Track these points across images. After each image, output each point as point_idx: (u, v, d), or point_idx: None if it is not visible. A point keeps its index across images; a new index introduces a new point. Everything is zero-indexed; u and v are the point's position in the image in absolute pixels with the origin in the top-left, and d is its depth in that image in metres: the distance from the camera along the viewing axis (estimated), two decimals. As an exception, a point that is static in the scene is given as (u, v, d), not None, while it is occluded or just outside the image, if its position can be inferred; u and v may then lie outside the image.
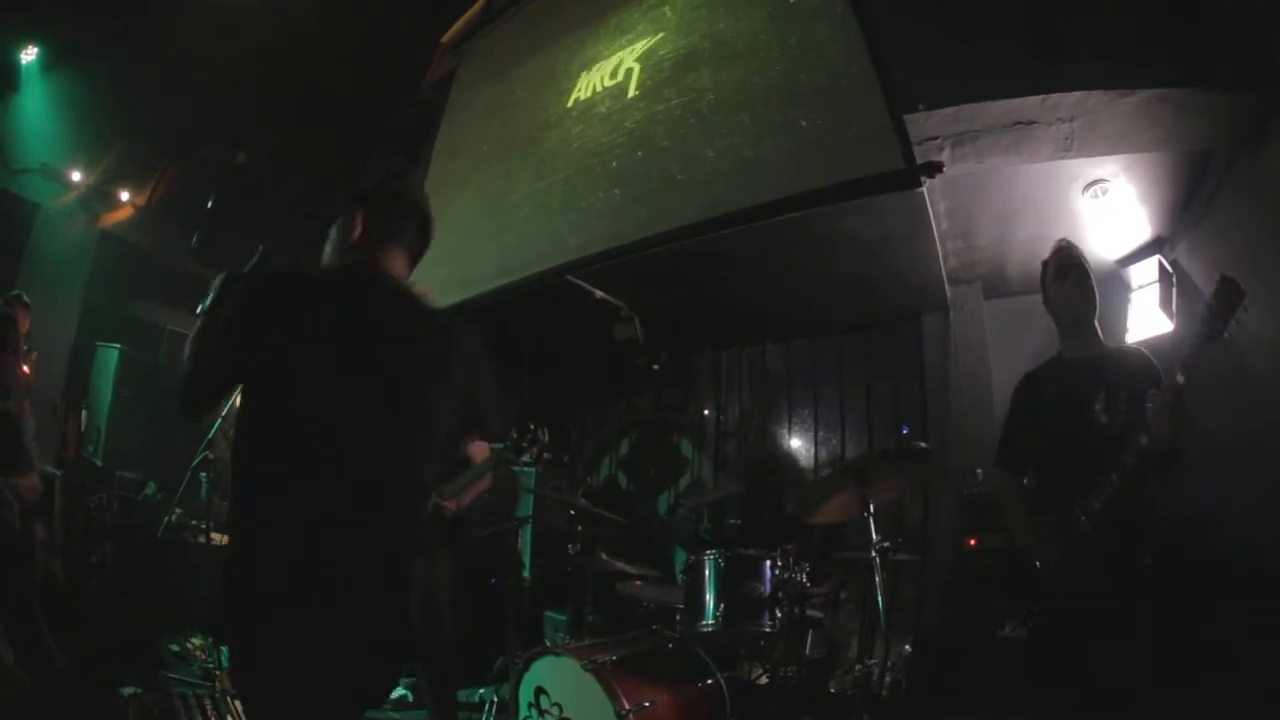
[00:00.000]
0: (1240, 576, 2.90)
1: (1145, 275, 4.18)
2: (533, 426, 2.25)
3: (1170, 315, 3.92)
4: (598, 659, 2.88)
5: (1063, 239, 2.71)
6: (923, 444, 3.95)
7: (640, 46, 4.56)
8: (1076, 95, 3.47)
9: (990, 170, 3.82)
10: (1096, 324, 2.59)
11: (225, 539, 4.95)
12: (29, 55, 5.75)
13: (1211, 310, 2.01)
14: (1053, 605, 2.35)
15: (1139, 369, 2.44)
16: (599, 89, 4.72)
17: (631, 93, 4.47)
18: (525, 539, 4.11)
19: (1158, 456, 2.16)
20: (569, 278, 3.75)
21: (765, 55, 3.89)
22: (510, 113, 5.39)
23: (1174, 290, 4.00)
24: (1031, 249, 4.33)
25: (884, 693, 3.96)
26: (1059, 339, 2.65)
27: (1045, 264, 2.67)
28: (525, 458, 2.49)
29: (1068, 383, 2.50)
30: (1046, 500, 2.46)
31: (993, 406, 4.37)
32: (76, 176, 6.11)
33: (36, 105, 5.89)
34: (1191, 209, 3.98)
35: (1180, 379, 2.05)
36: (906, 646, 4.11)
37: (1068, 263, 2.59)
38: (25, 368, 3.72)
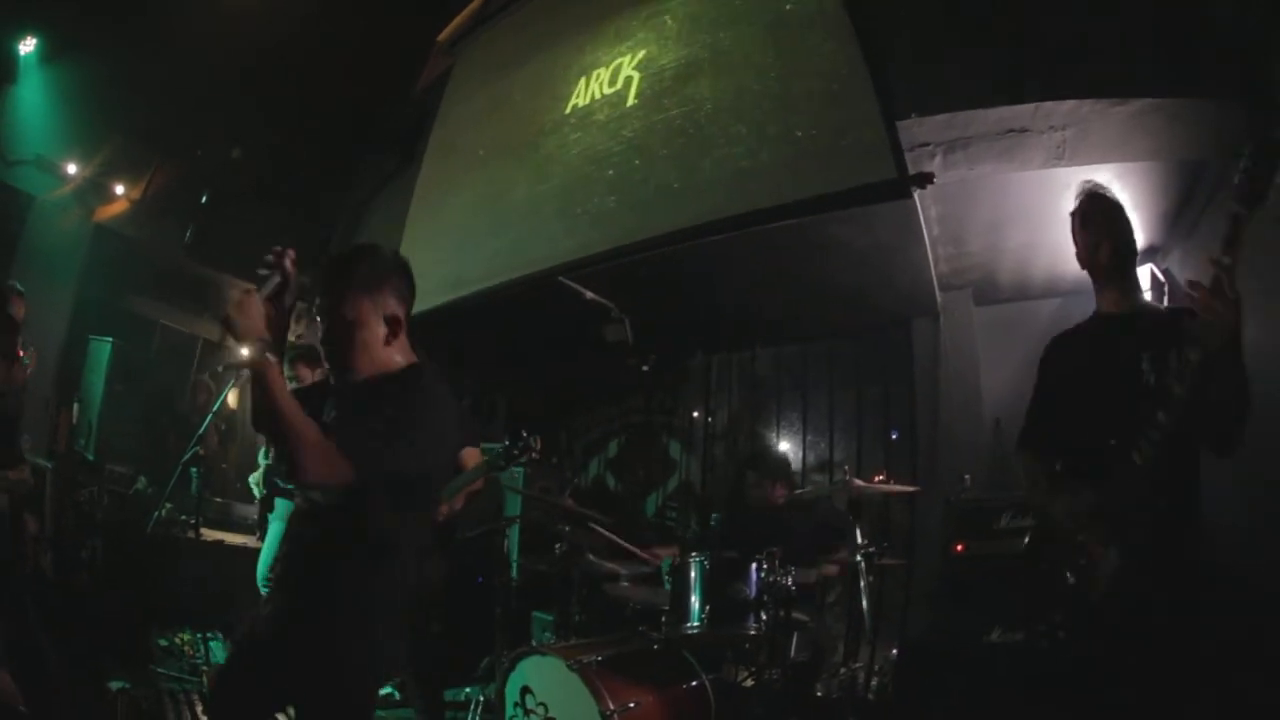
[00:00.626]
0: (1238, 585, 2.86)
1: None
2: (524, 434, 2.26)
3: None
4: (583, 659, 2.89)
5: (1089, 181, 2.43)
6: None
7: (640, 54, 4.58)
8: (1069, 104, 3.47)
9: (982, 177, 3.82)
10: (1136, 275, 2.33)
11: (216, 535, 5.02)
12: (27, 46, 5.75)
13: (1249, 169, 1.68)
14: (1095, 608, 1.93)
15: (1183, 328, 2.01)
16: (598, 96, 4.74)
17: (630, 101, 4.48)
18: (513, 539, 4.13)
19: (1215, 389, 1.78)
20: (561, 279, 3.77)
21: (762, 64, 3.91)
22: (506, 115, 5.40)
23: (1166, 299, 4.01)
24: (1023, 256, 4.35)
25: (870, 696, 3.97)
26: (1095, 295, 2.32)
27: (1073, 214, 2.38)
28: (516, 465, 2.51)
29: (1110, 339, 2.18)
30: (1078, 473, 2.09)
31: (982, 412, 4.39)
32: (72, 169, 6.11)
33: (34, 97, 5.89)
34: (1184, 218, 3.99)
35: (1224, 259, 1.72)
36: (893, 650, 4.12)
37: (1092, 207, 2.30)
38: (28, 361, 3.72)
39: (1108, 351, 2.14)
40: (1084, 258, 2.32)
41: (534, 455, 2.23)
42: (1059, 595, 2.02)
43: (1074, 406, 2.18)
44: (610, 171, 4.32)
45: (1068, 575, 2.00)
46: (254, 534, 4.95)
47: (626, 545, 3.68)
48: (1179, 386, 1.80)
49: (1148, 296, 4.00)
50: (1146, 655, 1.86)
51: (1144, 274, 4.13)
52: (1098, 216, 2.28)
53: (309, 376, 4.09)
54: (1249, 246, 1.71)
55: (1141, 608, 1.87)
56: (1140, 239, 4.15)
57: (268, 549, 4.25)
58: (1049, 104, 3.48)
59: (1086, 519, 1.98)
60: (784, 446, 5.57)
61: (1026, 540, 2.41)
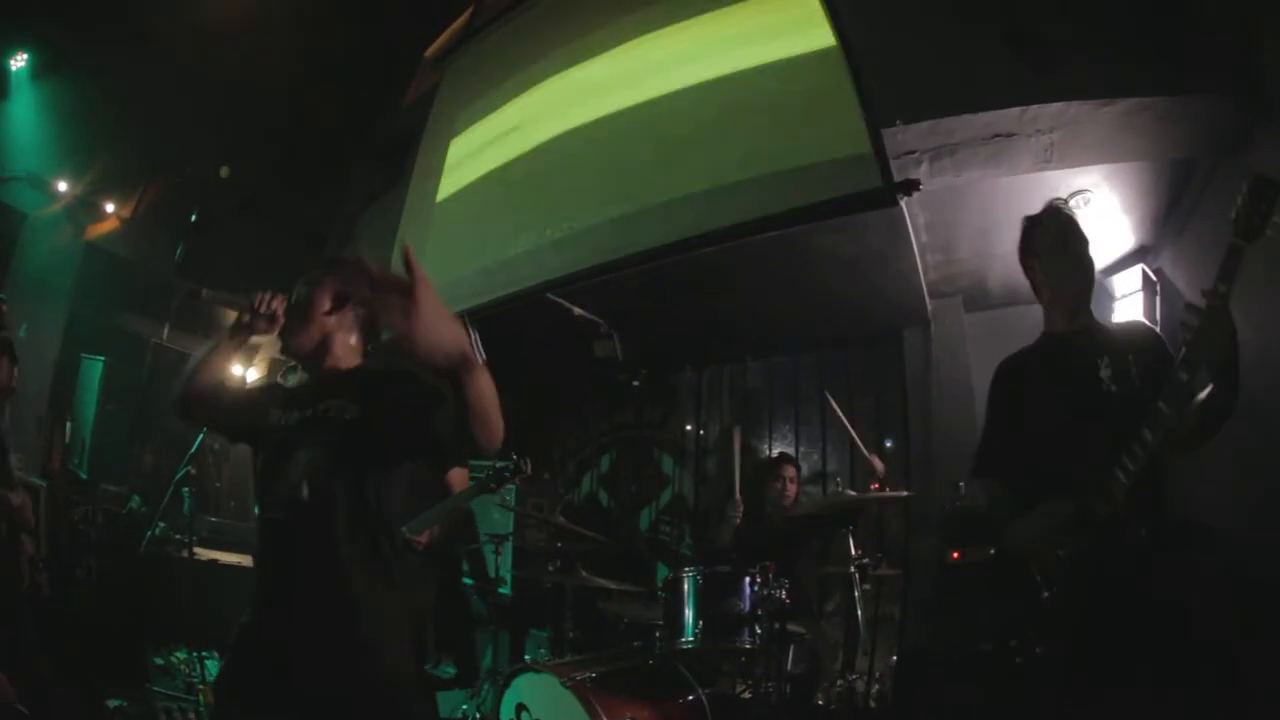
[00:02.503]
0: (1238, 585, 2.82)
1: (1128, 285, 4.17)
2: (514, 456, 2.24)
3: (1154, 325, 3.92)
4: (577, 676, 2.89)
5: (1055, 199, 2.38)
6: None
7: (626, 65, 4.56)
8: (1056, 106, 3.43)
9: (970, 183, 3.81)
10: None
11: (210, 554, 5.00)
12: (18, 62, 5.74)
13: (1244, 212, 1.74)
14: (1070, 618, 1.92)
15: (1146, 339, 2.14)
16: (581, 108, 4.68)
17: (619, 117, 4.44)
18: (506, 555, 4.12)
19: (1202, 406, 1.79)
20: (548, 295, 3.76)
21: (751, 76, 3.88)
22: (493, 130, 5.37)
23: (1157, 299, 4.00)
24: (1012, 261, 4.26)
25: (871, 704, 3.95)
26: (1045, 317, 2.29)
27: (1033, 227, 2.30)
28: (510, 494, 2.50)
29: (1063, 356, 2.15)
30: (1043, 496, 2.03)
31: (975, 420, 4.33)
32: (63, 186, 6.09)
33: (25, 113, 5.87)
34: (1174, 218, 3.98)
35: (1221, 288, 1.73)
36: (892, 658, 4.11)
37: (1071, 232, 2.22)
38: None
39: (1065, 368, 2.11)
40: (1052, 282, 2.23)
41: (526, 476, 2.21)
42: (1033, 611, 1.99)
43: (1037, 427, 2.12)
44: (597, 186, 4.30)
45: (1043, 593, 1.96)
46: (248, 553, 4.92)
47: None
48: (1168, 407, 1.77)
49: (1139, 296, 4.03)
50: (1136, 659, 1.82)
51: (1135, 274, 4.13)
52: (1076, 244, 2.20)
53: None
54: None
55: (1126, 609, 1.84)
56: (1130, 239, 4.20)
57: None
58: (1036, 107, 3.44)
59: (1066, 535, 1.94)
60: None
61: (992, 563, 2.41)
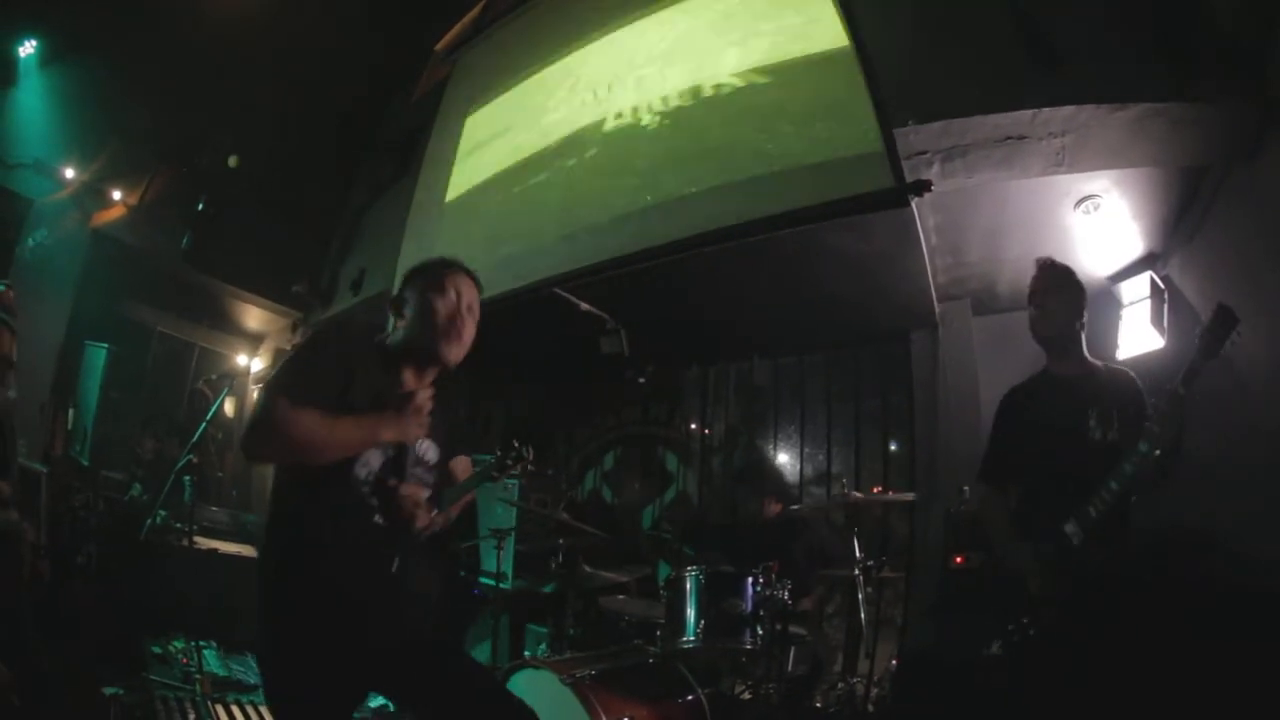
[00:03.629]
0: (1238, 591, 2.84)
1: (1137, 291, 4.14)
2: (517, 444, 2.23)
3: (1162, 332, 3.90)
4: (577, 673, 2.87)
5: (1042, 258, 2.70)
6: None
7: (635, 64, 4.54)
8: (1068, 110, 3.42)
9: (980, 186, 3.79)
10: (1083, 341, 2.58)
11: (211, 543, 5.00)
12: (27, 49, 5.74)
13: (1207, 334, 2.12)
14: (1044, 621, 2.31)
15: (1128, 390, 2.47)
16: (592, 104, 4.69)
17: (628, 111, 4.44)
18: (508, 551, 4.10)
19: (1154, 467, 2.19)
20: (555, 290, 3.76)
21: (760, 74, 3.88)
22: (503, 124, 5.36)
23: (1166, 306, 3.98)
24: (1022, 265, 4.29)
25: (869, 708, 3.93)
26: (1046, 357, 2.64)
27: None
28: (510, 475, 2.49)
29: (1059, 399, 2.50)
30: (1033, 516, 2.44)
31: (981, 423, 4.34)
32: (70, 174, 6.10)
33: (33, 100, 5.88)
34: (1184, 224, 3.95)
35: (1180, 390, 2.13)
36: (892, 662, 4.09)
37: (1039, 285, 2.60)
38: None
39: (1059, 412, 2.47)
40: (1032, 329, 2.61)
41: (528, 465, 2.21)
42: (1025, 605, 2.34)
43: (1032, 455, 2.50)
44: (606, 182, 4.29)
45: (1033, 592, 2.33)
46: (248, 543, 4.93)
47: None
48: (1131, 467, 2.19)
49: (1147, 303, 4.01)
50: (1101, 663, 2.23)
51: (1143, 281, 4.10)
52: (1041, 296, 2.56)
53: None
54: (1247, 262, 1.87)
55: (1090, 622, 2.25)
56: (1140, 246, 4.17)
57: None
58: (1048, 110, 3.43)
59: (1041, 568, 2.32)
60: (781, 459, 5.54)
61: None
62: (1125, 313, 4.14)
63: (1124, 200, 3.87)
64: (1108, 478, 2.23)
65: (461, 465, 2.73)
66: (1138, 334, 4.03)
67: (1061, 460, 2.41)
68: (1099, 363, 2.61)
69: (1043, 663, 2.31)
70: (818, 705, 3.73)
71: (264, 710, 3.50)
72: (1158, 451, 2.16)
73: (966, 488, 3.92)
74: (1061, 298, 2.56)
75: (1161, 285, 4.02)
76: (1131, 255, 4.23)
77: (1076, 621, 2.26)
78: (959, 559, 3.79)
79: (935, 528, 4.16)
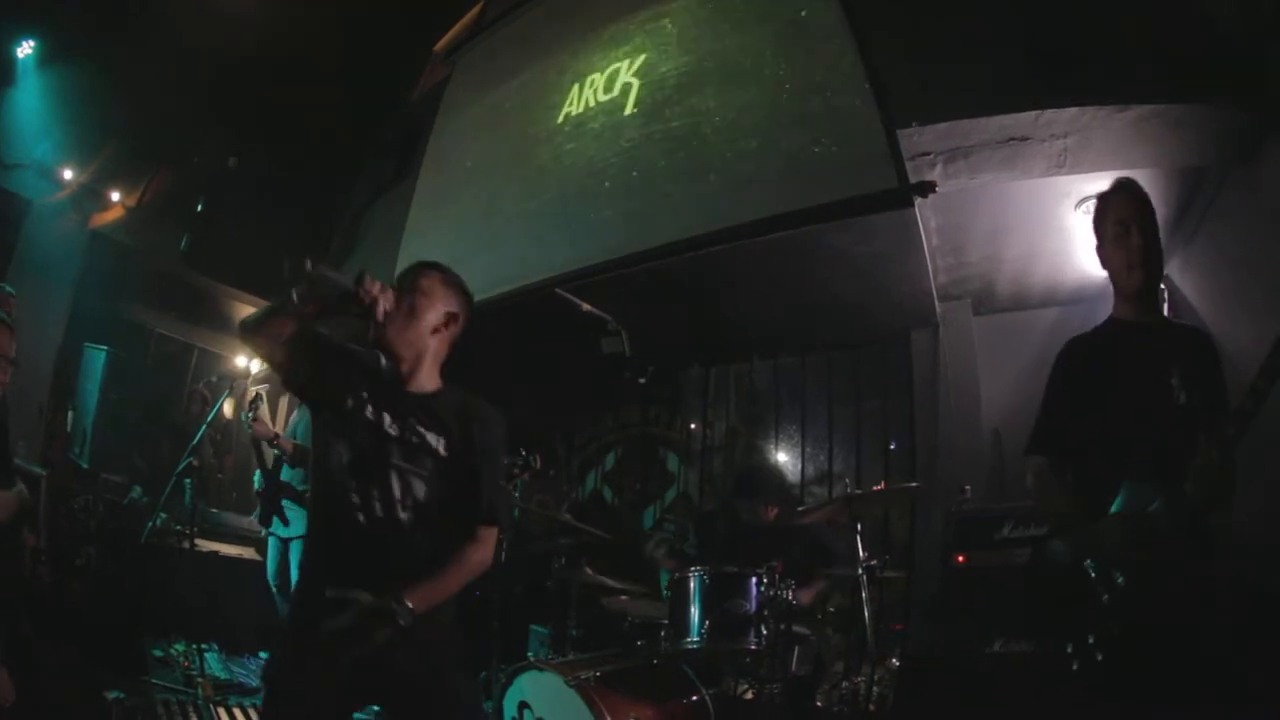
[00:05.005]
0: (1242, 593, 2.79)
1: (1137, 291, 4.15)
2: (523, 451, 2.24)
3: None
4: (581, 675, 2.87)
5: (1123, 178, 2.22)
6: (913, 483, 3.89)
7: (639, 61, 4.53)
8: (1071, 111, 3.45)
9: (982, 186, 3.80)
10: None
11: (212, 546, 4.99)
12: (26, 49, 5.72)
13: (1264, 373, 1.75)
14: (1127, 632, 1.82)
15: (1210, 351, 2.09)
16: (593, 103, 4.68)
17: (629, 109, 4.43)
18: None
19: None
20: (557, 290, 3.77)
21: (767, 74, 3.88)
22: (502, 124, 5.36)
23: (1165, 306, 3.99)
24: (1022, 265, 4.33)
25: (871, 708, 3.93)
26: (1114, 303, 2.19)
27: (1102, 206, 2.19)
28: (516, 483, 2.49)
29: (1136, 351, 2.06)
30: (1099, 498, 1.96)
31: (981, 422, 4.37)
32: (68, 174, 6.07)
33: (31, 100, 5.85)
34: (1184, 225, 3.97)
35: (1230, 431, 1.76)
36: (894, 661, 4.09)
37: (1136, 220, 2.10)
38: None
39: (1135, 362, 2.03)
40: (1118, 273, 2.13)
41: (536, 472, 2.21)
42: (1095, 608, 1.88)
43: (1098, 416, 2.03)
44: (607, 182, 4.29)
45: (1113, 582, 1.87)
46: (249, 545, 4.93)
47: None
48: (1236, 432, 1.77)
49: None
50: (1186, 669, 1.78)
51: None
52: (1140, 228, 2.08)
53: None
54: (1247, 262, 1.74)
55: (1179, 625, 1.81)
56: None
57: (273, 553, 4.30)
58: (1050, 111, 3.46)
59: (1096, 550, 1.91)
60: (782, 459, 5.54)
61: (1036, 550, 2.33)
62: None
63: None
64: (1209, 447, 1.77)
65: None
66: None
67: (1140, 427, 1.96)
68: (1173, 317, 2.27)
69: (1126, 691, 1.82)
70: (819, 705, 3.73)
71: (266, 714, 3.49)
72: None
73: (968, 486, 3.93)
74: (1150, 234, 2.08)
75: (1162, 285, 4.03)
76: (1132, 256, 4.23)
77: (1171, 637, 1.79)
78: (961, 558, 3.79)
79: (936, 526, 4.17)
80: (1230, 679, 1.83)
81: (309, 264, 1.83)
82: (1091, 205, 3.83)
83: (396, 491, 1.89)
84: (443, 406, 2.00)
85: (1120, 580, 1.85)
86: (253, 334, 1.90)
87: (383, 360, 2.02)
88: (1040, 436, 2.16)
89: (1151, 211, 2.13)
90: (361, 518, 1.86)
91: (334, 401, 1.94)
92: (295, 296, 1.83)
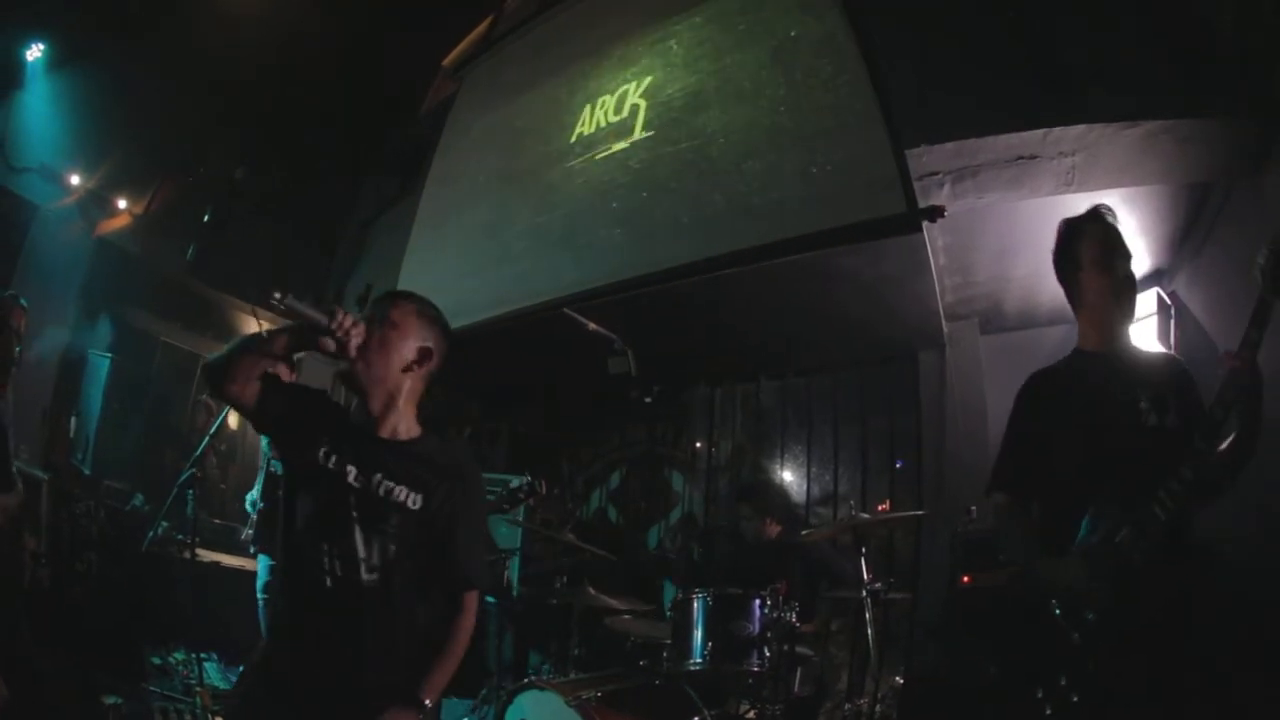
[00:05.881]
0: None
1: (1144, 307, 4.14)
2: (530, 478, 2.21)
3: (1169, 348, 3.89)
4: (582, 694, 2.85)
5: (1100, 205, 2.19)
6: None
7: (646, 82, 4.54)
8: (1078, 129, 3.44)
9: (990, 206, 3.79)
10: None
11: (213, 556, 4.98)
12: (35, 53, 5.73)
13: (1270, 269, 1.76)
14: (1097, 673, 1.77)
15: (1180, 374, 2.05)
16: (603, 124, 4.69)
17: (638, 131, 4.43)
18: (513, 570, 4.07)
19: (1229, 451, 1.77)
20: (564, 310, 3.75)
21: (770, 95, 3.89)
22: (510, 142, 5.38)
23: (1172, 322, 3.98)
24: (1029, 284, 4.31)
25: (873, 729, 3.90)
26: (1080, 332, 2.17)
27: (1074, 235, 2.15)
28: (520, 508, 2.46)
29: (1100, 378, 2.02)
30: (1067, 530, 1.92)
31: (988, 442, 4.33)
32: (76, 180, 6.08)
33: (39, 104, 5.86)
34: (1191, 240, 3.97)
35: (1254, 335, 1.76)
36: (898, 679, 4.06)
37: (1116, 247, 2.09)
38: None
39: (1102, 388, 2.00)
40: (1091, 299, 2.10)
41: (541, 497, 2.18)
42: (1062, 654, 1.83)
43: (1063, 447, 2.00)
44: (615, 204, 4.30)
45: (1072, 635, 1.82)
46: (251, 557, 4.91)
47: None
48: (1205, 443, 1.76)
49: (1154, 319, 4.00)
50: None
51: (1150, 297, 4.10)
52: (1122, 258, 2.08)
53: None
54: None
55: (1157, 661, 1.75)
56: (1146, 262, 4.17)
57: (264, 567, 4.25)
58: (1058, 130, 3.45)
59: (1071, 588, 1.86)
60: (788, 479, 5.52)
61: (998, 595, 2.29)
62: (1132, 329, 4.12)
63: (1131, 217, 3.87)
64: (1180, 465, 1.75)
65: None
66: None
67: (1108, 452, 1.91)
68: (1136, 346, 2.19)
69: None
70: (821, 726, 3.71)
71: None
72: (1229, 424, 1.74)
73: (974, 507, 3.90)
74: (1127, 259, 2.08)
75: (1168, 301, 4.03)
76: (1139, 271, 4.21)
77: (1146, 672, 1.74)
78: (966, 579, 3.77)
79: (942, 547, 4.15)
80: (1217, 702, 1.75)
81: (277, 295, 1.70)
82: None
83: (360, 550, 1.75)
84: (419, 458, 1.86)
85: (1090, 617, 1.80)
86: (219, 375, 1.78)
87: (354, 403, 1.90)
88: (1003, 473, 2.13)
89: (1121, 239, 2.12)
90: (326, 579, 1.74)
91: (300, 447, 1.83)
92: (264, 332, 1.77)
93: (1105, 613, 1.79)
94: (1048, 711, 1.81)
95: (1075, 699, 1.77)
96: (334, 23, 6.20)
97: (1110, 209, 2.17)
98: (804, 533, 4.02)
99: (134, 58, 5.89)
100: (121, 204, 6.38)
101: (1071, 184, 3.64)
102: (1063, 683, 1.80)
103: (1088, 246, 2.12)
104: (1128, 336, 2.13)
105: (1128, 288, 2.09)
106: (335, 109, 6.67)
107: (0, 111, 5.69)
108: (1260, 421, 1.80)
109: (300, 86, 6.27)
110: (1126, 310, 2.10)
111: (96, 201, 6.28)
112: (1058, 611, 1.86)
